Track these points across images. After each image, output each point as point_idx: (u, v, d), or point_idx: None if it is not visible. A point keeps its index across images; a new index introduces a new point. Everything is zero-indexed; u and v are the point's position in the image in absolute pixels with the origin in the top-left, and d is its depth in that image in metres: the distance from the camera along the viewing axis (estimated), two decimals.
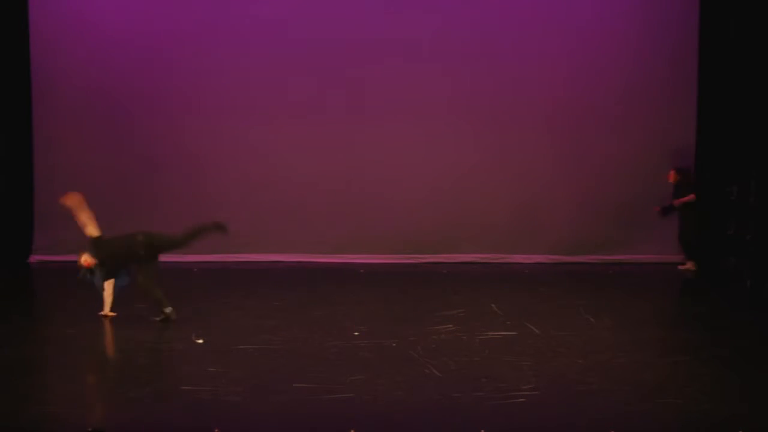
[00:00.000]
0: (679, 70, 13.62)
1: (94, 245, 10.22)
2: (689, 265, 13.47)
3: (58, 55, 13.60)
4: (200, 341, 9.63)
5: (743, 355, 9.34)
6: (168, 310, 10.28)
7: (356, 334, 9.89)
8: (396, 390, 8.14)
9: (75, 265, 10.27)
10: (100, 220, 13.53)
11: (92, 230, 10.27)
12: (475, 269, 13.59)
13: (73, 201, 10.35)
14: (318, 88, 13.71)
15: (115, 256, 10.22)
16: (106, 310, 10.40)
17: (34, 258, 13.82)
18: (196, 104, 13.70)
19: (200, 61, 13.67)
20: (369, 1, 13.77)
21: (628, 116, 13.77)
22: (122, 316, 10.60)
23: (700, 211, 13.45)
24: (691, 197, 13.31)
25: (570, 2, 13.71)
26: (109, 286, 10.37)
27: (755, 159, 12.35)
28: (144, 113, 13.69)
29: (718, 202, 13.17)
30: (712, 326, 10.59)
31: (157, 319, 10.36)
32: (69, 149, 13.70)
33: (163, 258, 13.10)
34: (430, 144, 13.78)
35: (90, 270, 10.19)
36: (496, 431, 7.19)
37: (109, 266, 10.25)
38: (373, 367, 8.77)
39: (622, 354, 9.20)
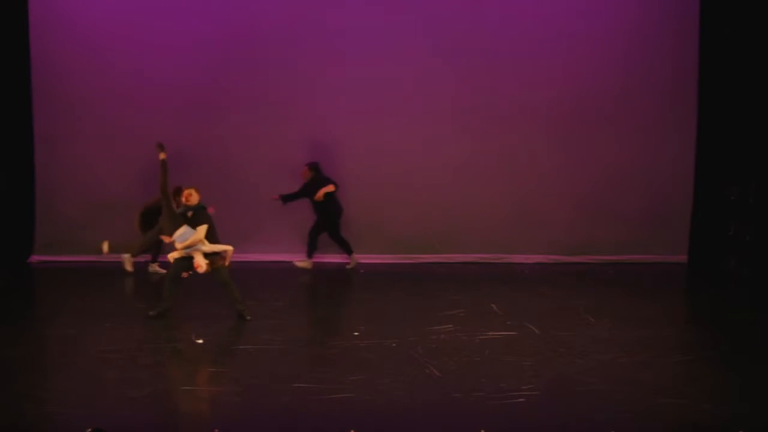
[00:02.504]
0: (678, 71, 13.61)
1: None
2: (307, 263, 13.38)
3: (59, 55, 13.58)
4: (200, 341, 9.64)
5: (743, 355, 9.34)
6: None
7: (356, 334, 9.90)
8: (396, 390, 8.15)
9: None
10: (101, 220, 13.64)
11: None
12: (475, 269, 13.59)
13: None
14: (316, 88, 13.69)
15: None
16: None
17: (35, 258, 13.82)
18: (196, 103, 13.67)
19: (200, 60, 13.65)
20: (370, 3, 13.75)
21: (629, 117, 13.76)
22: (122, 316, 10.60)
23: (698, 211, 13.48)
24: (330, 188, 13.11)
25: (570, 4, 13.70)
26: None
27: (755, 159, 12.35)
28: (145, 112, 13.67)
29: (718, 202, 13.17)
30: (712, 326, 10.60)
31: (151, 313, 10.43)
32: (70, 149, 13.68)
33: (162, 258, 13.14)
34: (430, 144, 13.77)
35: None
36: (496, 431, 7.20)
37: None
38: (373, 367, 8.77)
39: (622, 354, 9.20)
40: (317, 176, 13.25)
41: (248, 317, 10.42)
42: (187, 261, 10.39)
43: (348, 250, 13.45)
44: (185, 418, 7.76)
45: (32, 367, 8.95)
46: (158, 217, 12.14)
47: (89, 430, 6.72)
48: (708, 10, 13.30)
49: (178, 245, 10.38)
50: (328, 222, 13.31)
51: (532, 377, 8.46)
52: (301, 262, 13.42)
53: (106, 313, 10.68)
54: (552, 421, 7.50)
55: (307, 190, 13.28)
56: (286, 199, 13.33)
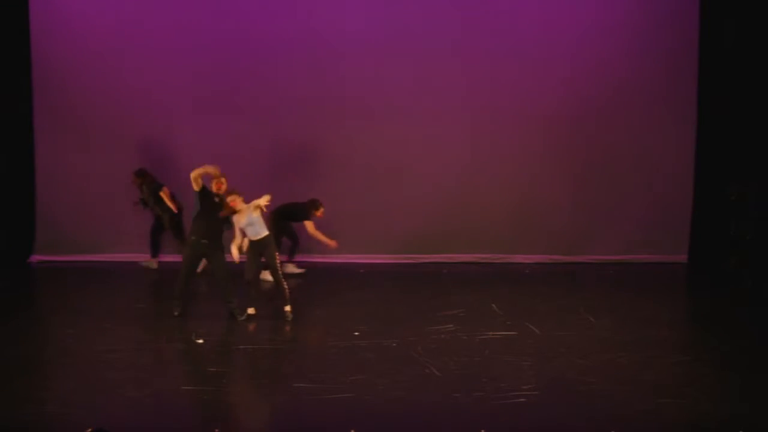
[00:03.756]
0: (679, 70, 13.59)
1: None
2: (153, 262, 13.28)
3: (59, 55, 13.56)
4: (200, 341, 9.64)
5: (743, 355, 9.35)
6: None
7: (356, 334, 9.90)
8: (396, 390, 8.15)
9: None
10: (100, 219, 13.64)
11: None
12: (475, 269, 13.58)
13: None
14: (316, 88, 13.68)
15: None
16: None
17: (35, 258, 13.82)
18: (195, 103, 13.65)
19: (201, 60, 13.63)
20: (373, 3, 13.75)
21: (629, 117, 13.74)
22: (122, 316, 10.61)
23: (698, 210, 13.48)
24: (165, 192, 12.96)
25: (570, 5, 13.69)
26: None
27: (755, 159, 12.35)
28: (144, 112, 13.67)
29: (718, 201, 13.16)
30: (713, 326, 10.60)
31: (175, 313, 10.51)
32: (70, 148, 13.67)
33: (164, 258, 13.15)
34: (431, 144, 13.75)
35: None
36: (496, 431, 7.20)
37: None
38: (373, 367, 8.78)
39: (622, 354, 9.21)
40: (149, 180, 13.08)
41: (240, 317, 10.40)
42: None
43: (156, 253, 13.34)
44: (185, 418, 7.76)
45: (32, 367, 8.95)
46: (289, 220, 12.81)
47: (89, 430, 6.72)
48: (708, 11, 13.29)
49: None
50: (171, 221, 13.10)
51: (532, 377, 8.46)
52: (146, 261, 13.34)
53: (106, 313, 10.69)
54: (552, 421, 7.50)
55: (150, 196, 13.10)
56: (144, 204, 13.23)
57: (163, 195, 12.96)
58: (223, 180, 10.53)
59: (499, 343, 9.61)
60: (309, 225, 12.59)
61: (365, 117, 13.68)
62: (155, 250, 13.36)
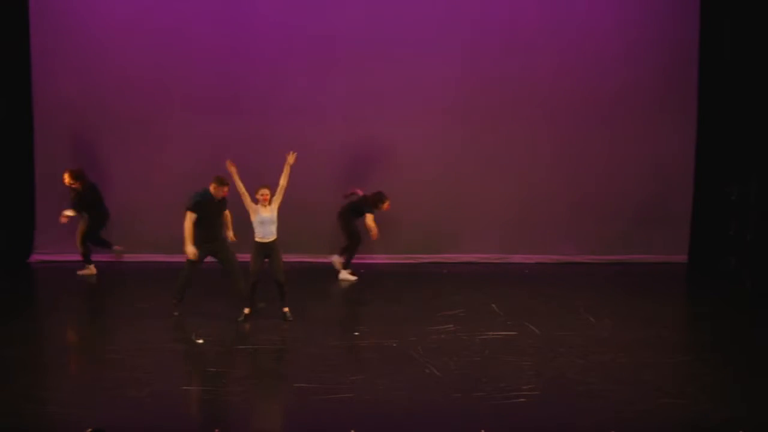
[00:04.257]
0: (679, 70, 13.60)
1: None
2: (90, 269, 12.95)
3: (59, 55, 13.55)
4: (200, 341, 9.64)
5: (743, 355, 9.35)
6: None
7: (356, 334, 9.91)
8: (396, 390, 8.16)
9: None
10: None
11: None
12: (475, 269, 13.59)
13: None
14: (316, 87, 13.68)
15: None
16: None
17: (35, 258, 13.82)
18: (196, 103, 13.66)
19: (203, 59, 13.63)
20: (370, 2, 13.76)
21: (629, 116, 13.75)
22: (122, 316, 10.60)
23: (698, 210, 13.49)
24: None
25: (570, 3, 13.69)
26: None
27: (755, 159, 12.35)
28: (144, 112, 13.66)
29: (718, 202, 13.16)
30: (712, 326, 10.61)
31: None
32: (70, 149, 13.67)
33: (165, 258, 13.12)
34: (431, 144, 13.77)
35: None
36: (496, 431, 7.20)
37: None
38: (373, 367, 8.78)
39: (622, 354, 9.21)
40: (87, 184, 12.91)
41: (238, 318, 10.41)
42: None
43: (108, 245, 13.21)
44: (185, 418, 7.76)
45: (32, 367, 8.95)
46: (357, 215, 12.80)
47: (89, 430, 6.72)
48: (708, 10, 13.29)
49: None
50: (97, 224, 13.01)
51: (532, 377, 8.47)
52: (82, 270, 13.00)
53: (106, 313, 10.70)
54: (552, 421, 7.51)
55: (85, 199, 12.89)
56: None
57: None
58: (225, 189, 10.70)
59: (499, 343, 9.61)
60: (370, 217, 12.58)
61: (365, 118, 13.68)
62: (106, 244, 13.18)
